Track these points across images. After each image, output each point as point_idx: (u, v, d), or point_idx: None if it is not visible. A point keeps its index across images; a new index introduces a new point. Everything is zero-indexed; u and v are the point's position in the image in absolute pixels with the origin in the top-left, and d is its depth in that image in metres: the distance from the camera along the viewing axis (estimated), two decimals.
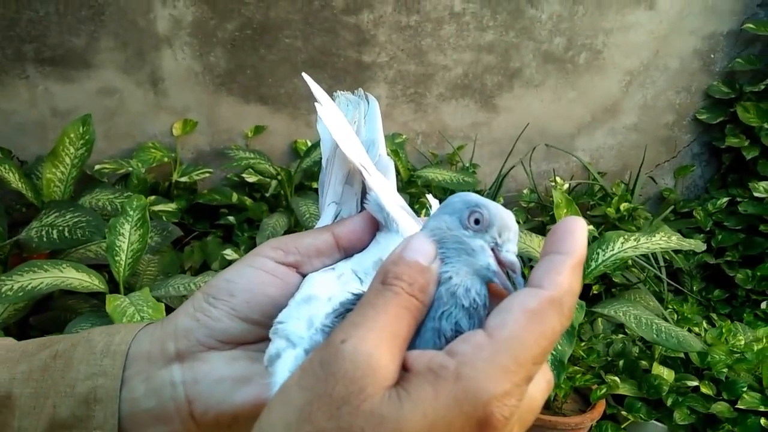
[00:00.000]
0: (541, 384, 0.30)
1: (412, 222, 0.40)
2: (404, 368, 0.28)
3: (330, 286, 0.38)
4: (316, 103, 0.42)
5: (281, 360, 0.35)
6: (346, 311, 0.34)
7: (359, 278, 0.38)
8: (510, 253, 0.33)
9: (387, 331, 0.28)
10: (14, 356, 0.40)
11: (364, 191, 0.43)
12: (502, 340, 0.27)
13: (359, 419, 0.26)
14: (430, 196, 0.46)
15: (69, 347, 0.40)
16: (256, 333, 0.39)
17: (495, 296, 0.33)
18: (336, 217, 0.44)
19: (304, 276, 0.40)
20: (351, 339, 0.27)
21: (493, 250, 0.33)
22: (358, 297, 0.34)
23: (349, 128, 0.43)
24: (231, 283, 0.39)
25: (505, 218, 0.34)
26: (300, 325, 0.36)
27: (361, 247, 0.41)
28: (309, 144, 2.26)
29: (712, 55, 2.54)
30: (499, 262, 0.33)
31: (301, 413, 0.27)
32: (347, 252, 0.41)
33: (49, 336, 0.43)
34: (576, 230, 0.30)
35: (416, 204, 1.99)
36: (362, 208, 0.43)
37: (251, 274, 0.39)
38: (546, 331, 0.27)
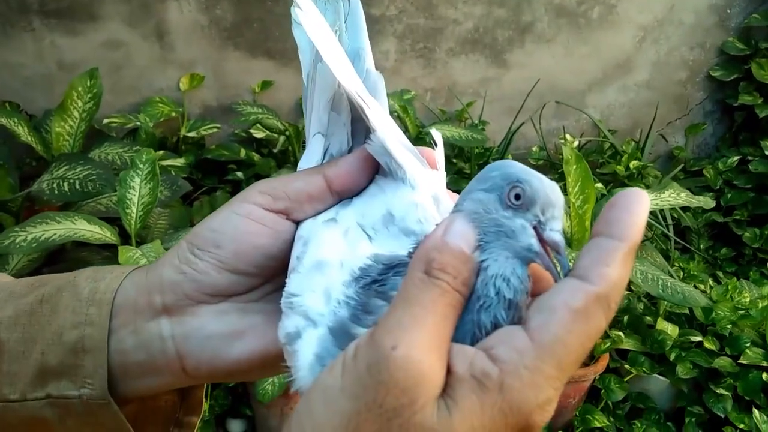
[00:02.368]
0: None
1: (422, 170, 0.36)
2: (449, 377, 0.26)
3: (338, 247, 0.35)
4: (294, 7, 0.37)
5: (302, 340, 0.33)
6: (373, 282, 0.32)
7: (368, 235, 0.35)
8: (554, 232, 0.30)
9: (437, 335, 0.26)
10: (2, 296, 0.39)
11: (354, 121, 0.39)
12: (545, 345, 0.25)
13: (411, 430, 0.25)
14: (434, 131, 0.41)
15: (55, 292, 0.39)
16: (245, 284, 0.38)
17: (536, 279, 0.31)
18: (325, 153, 0.40)
19: (296, 223, 0.38)
20: (401, 345, 0.25)
21: (535, 228, 0.30)
22: (387, 267, 0.32)
23: (334, 39, 0.38)
24: (216, 233, 0.37)
25: (549, 194, 0.30)
26: (316, 298, 0.33)
27: (357, 190, 0.38)
28: None
29: (728, 10, 2.48)
30: (542, 241, 0.30)
31: (349, 422, 0.25)
32: (341, 196, 0.38)
33: (38, 276, 0.42)
34: (635, 209, 0.26)
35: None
36: (352, 143, 0.40)
37: (238, 222, 0.37)
38: (591, 332, 0.26)
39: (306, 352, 0.32)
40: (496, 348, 0.26)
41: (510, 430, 0.25)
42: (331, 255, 0.34)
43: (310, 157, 0.40)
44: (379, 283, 0.32)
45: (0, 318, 0.38)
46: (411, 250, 0.32)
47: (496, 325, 0.29)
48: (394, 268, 0.32)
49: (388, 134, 0.36)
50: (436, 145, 0.39)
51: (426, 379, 0.25)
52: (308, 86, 0.41)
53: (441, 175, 0.38)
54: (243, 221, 0.37)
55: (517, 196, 0.30)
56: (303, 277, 0.35)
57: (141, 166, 1.45)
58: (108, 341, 0.37)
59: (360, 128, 0.40)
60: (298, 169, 0.41)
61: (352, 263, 0.34)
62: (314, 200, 0.37)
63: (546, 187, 0.31)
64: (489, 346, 0.27)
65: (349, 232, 0.36)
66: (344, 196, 0.38)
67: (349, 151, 0.40)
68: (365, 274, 0.33)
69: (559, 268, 0.30)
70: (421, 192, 0.36)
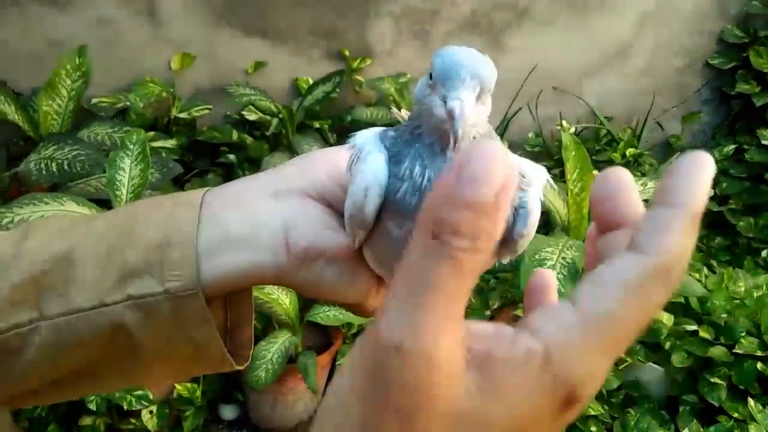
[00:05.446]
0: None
1: None
2: (475, 344, 0.24)
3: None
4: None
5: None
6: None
7: None
8: (451, 101, 0.30)
9: (447, 319, 0.22)
10: (74, 224, 0.39)
11: None
12: (594, 320, 0.23)
13: (437, 425, 0.22)
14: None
15: (132, 208, 0.39)
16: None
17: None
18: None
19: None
20: (406, 341, 0.22)
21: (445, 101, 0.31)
22: None
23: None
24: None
25: (444, 68, 0.31)
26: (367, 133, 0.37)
27: None
28: (311, 81, 2.20)
29: None
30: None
31: (366, 423, 0.23)
32: None
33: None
34: (697, 173, 0.24)
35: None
36: None
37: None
38: (646, 307, 0.23)
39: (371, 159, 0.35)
40: (540, 323, 0.24)
41: (553, 404, 0.23)
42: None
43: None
44: None
45: (73, 237, 0.37)
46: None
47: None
48: None
49: None
50: None
51: (441, 374, 0.22)
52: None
53: None
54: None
55: (431, 76, 0.32)
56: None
57: (131, 147, 1.41)
58: (198, 227, 0.37)
59: None
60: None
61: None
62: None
63: (442, 59, 0.31)
64: (532, 321, 0.24)
65: None
66: None
67: None
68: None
69: (458, 135, 0.31)
70: None
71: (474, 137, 0.33)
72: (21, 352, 0.36)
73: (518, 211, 0.34)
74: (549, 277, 0.30)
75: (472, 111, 0.31)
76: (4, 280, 0.36)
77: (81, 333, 0.36)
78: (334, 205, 0.40)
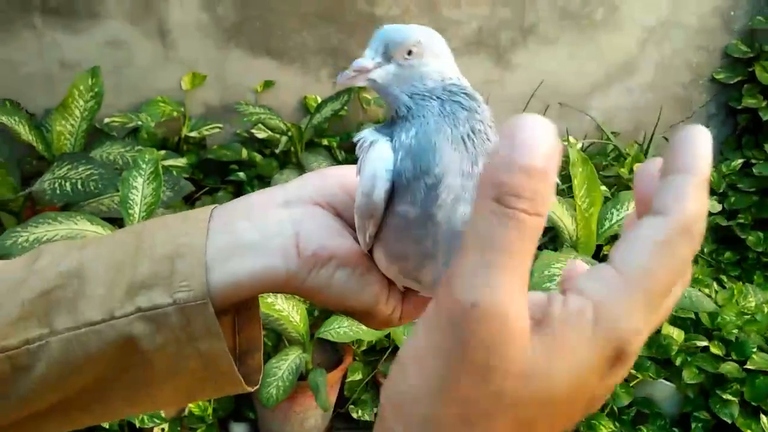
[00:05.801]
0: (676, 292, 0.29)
1: None
2: (533, 308, 0.26)
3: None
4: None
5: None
6: None
7: None
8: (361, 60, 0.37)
9: (518, 279, 0.24)
10: (83, 243, 0.40)
11: None
12: (633, 276, 0.25)
13: (509, 382, 0.24)
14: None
15: (141, 228, 0.40)
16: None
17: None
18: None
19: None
20: (482, 300, 0.23)
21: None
22: None
23: None
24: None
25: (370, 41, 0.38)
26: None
27: None
28: (319, 100, 2.23)
29: (732, 13, 2.48)
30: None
31: (444, 381, 0.25)
32: None
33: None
34: (696, 141, 0.26)
35: None
36: None
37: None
38: (676, 263, 0.25)
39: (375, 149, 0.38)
40: (584, 284, 0.26)
41: (607, 360, 0.25)
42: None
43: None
44: None
45: (83, 253, 0.38)
46: None
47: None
48: None
49: None
50: None
51: (514, 332, 0.24)
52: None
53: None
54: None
55: (410, 52, 0.38)
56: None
57: (144, 166, 1.43)
58: (207, 237, 0.37)
59: None
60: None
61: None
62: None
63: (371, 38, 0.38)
64: (577, 283, 0.26)
65: None
66: None
67: None
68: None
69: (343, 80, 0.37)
70: None
71: (435, 96, 0.37)
72: (31, 368, 0.36)
73: None
74: (581, 264, 0.31)
75: (368, 63, 0.37)
76: (16, 298, 0.37)
77: (91, 347, 0.36)
78: (343, 214, 0.41)
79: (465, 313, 0.24)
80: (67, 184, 1.49)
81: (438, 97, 0.37)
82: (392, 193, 0.36)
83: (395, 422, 0.26)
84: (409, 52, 0.37)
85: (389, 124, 0.38)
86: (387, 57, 0.37)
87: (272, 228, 0.38)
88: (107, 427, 1.38)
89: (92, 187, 1.49)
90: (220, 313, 0.38)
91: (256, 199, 0.40)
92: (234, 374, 0.39)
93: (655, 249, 0.25)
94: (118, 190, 1.43)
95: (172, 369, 0.38)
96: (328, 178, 0.41)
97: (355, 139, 0.40)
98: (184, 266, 0.36)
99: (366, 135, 0.39)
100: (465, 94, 0.38)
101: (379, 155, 0.36)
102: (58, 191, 1.48)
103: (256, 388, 0.43)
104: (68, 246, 0.39)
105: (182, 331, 0.36)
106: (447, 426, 0.25)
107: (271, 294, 1.13)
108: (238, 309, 0.42)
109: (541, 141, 0.24)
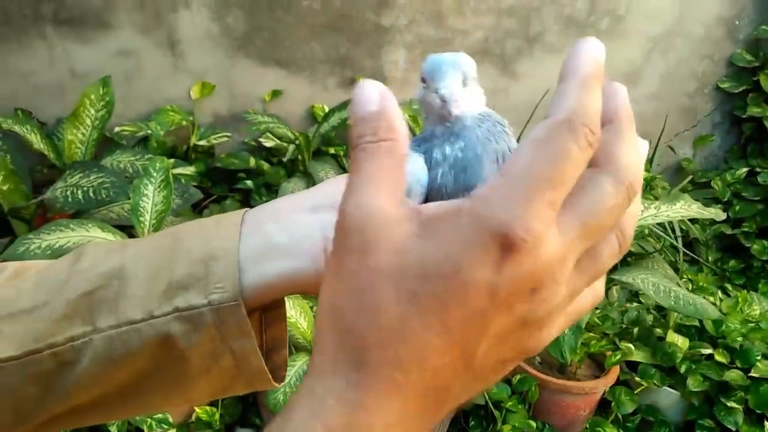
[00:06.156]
0: (588, 294, 0.31)
1: None
2: (421, 216, 0.29)
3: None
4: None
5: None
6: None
7: None
8: (441, 91, 0.37)
9: (380, 181, 0.29)
10: (123, 245, 0.42)
11: None
12: (513, 174, 0.27)
13: (383, 257, 0.28)
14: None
15: (176, 231, 0.42)
16: None
17: None
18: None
19: None
20: (352, 201, 0.29)
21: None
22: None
23: None
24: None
25: (430, 66, 0.38)
26: None
27: None
28: (326, 109, 2.25)
29: (737, 22, 2.49)
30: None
31: (335, 266, 0.29)
32: None
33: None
34: (579, 50, 0.29)
35: None
36: None
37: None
38: (557, 151, 0.27)
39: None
40: (471, 193, 0.29)
41: (486, 246, 0.26)
42: None
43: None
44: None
45: (123, 257, 0.40)
46: None
47: (457, 182, 0.37)
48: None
49: None
50: None
51: (383, 217, 0.28)
52: None
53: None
54: None
55: (423, 80, 0.38)
56: None
57: (154, 174, 1.46)
58: (240, 240, 0.39)
59: None
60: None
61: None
62: None
63: (430, 61, 0.38)
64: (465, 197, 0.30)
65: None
66: None
67: None
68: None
69: (451, 113, 0.37)
70: None
71: (480, 116, 0.39)
72: (75, 364, 0.38)
73: None
74: None
75: (460, 93, 0.38)
76: (60, 297, 0.39)
77: (131, 344, 0.38)
78: None
79: (342, 214, 0.29)
80: (79, 192, 1.51)
81: (478, 117, 0.39)
82: (425, 202, 0.38)
83: (317, 309, 0.31)
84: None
85: (426, 138, 0.40)
86: (464, 85, 0.39)
87: (301, 231, 0.40)
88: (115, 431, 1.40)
89: (104, 195, 1.51)
90: (250, 312, 0.39)
91: (285, 204, 0.42)
92: (263, 371, 0.41)
93: (535, 145, 0.27)
94: (129, 198, 1.45)
95: (206, 366, 0.40)
96: None
97: None
98: (218, 268, 0.38)
99: None
100: (494, 116, 0.40)
101: (413, 171, 0.38)
102: (70, 199, 1.50)
103: (282, 384, 0.44)
104: (108, 248, 0.41)
105: (216, 330, 0.38)
106: (341, 299, 0.29)
107: None
108: (264, 308, 0.43)
109: (369, 94, 0.30)
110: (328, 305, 0.29)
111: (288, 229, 0.40)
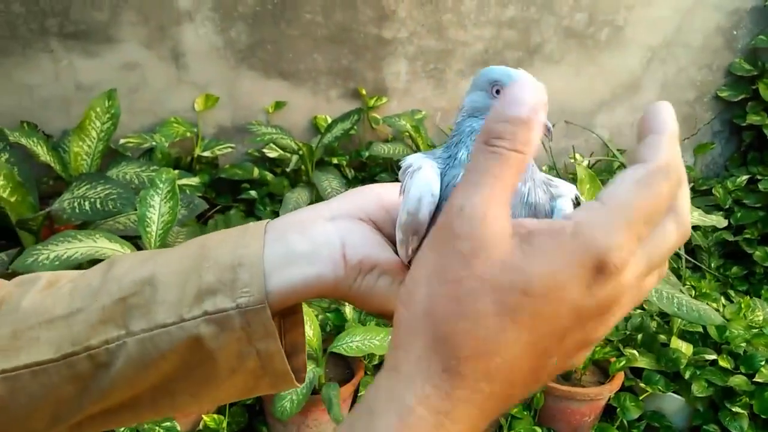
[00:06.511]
0: (652, 278, 0.33)
1: None
2: (524, 229, 0.30)
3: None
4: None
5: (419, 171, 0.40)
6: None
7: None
8: (545, 122, 0.39)
9: (498, 192, 0.30)
10: (153, 255, 0.44)
11: None
12: (614, 205, 0.29)
13: (489, 268, 0.29)
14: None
15: (204, 240, 0.44)
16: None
17: None
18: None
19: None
20: (466, 204, 0.30)
21: None
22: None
23: None
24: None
25: (495, 74, 0.39)
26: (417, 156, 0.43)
27: None
28: (329, 120, 2.27)
29: (735, 32, 2.52)
30: None
31: (436, 268, 0.30)
32: None
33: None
34: (662, 112, 0.32)
35: None
36: None
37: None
38: (654, 194, 0.30)
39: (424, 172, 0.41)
40: (571, 213, 0.31)
41: (584, 267, 0.29)
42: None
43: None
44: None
45: (156, 264, 0.42)
46: None
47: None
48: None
49: None
50: None
51: (494, 229, 0.29)
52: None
53: None
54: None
55: (498, 91, 0.39)
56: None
57: (161, 185, 1.47)
58: (264, 248, 0.41)
59: None
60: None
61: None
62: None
63: (490, 72, 0.39)
64: (566, 214, 0.32)
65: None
66: None
67: None
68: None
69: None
70: None
71: None
72: (110, 365, 0.40)
73: (553, 212, 0.41)
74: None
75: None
76: (96, 303, 0.41)
77: (162, 346, 0.40)
78: (382, 228, 0.45)
79: (454, 214, 0.30)
80: (86, 203, 1.53)
81: None
82: (437, 211, 0.39)
83: (404, 309, 0.31)
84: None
85: (450, 147, 0.41)
86: None
87: (321, 239, 0.42)
88: None
89: (111, 206, 1.52)
90: (272, 317, 0.41)
91: (305, 214, 0.44)
92: (287, 372, 0.43)
93: (635, 184, 0.30)
94: (135, 209, 1.46)
95: (233, 367, 0.42)
96: (367, 196, 0.45)
97: (402, 164, 0.43)
98: (245, 274, 0.41)
99: (414, 161, 0.42)
100: None
101: (425, 180, 0.40)
102: (77, 210, 1.52)
103: (303, 385, 0.46)
104: (138, 258, 0.44)
105: (243, 332, 0.40)
106: (440, 304, 0.30)
107: None
108: (283, 314, 0.45)
109: (525, 97, 0.30)
110: (424, 308, 0.31)
111: (309, 238, 0.42)
